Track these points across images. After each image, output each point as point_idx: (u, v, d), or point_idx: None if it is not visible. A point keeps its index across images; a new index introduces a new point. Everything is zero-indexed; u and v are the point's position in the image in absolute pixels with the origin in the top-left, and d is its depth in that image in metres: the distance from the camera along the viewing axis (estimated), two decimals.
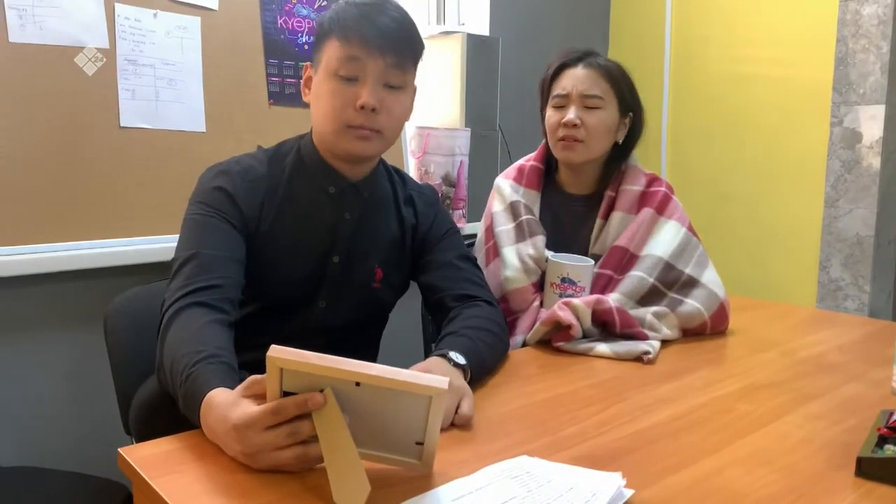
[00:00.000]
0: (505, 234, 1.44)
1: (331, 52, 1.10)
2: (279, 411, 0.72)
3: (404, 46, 1.12)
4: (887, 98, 2.23)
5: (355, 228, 1.19)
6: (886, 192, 2.30)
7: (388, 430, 0.77)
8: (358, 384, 0.73)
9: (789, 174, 2.48)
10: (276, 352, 0.71)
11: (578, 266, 1.34)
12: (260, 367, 1.14)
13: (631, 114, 1.44)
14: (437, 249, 1.25)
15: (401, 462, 0.79)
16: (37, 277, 1.59)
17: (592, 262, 1.36)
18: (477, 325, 1.13)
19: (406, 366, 1.00)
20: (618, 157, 1.45)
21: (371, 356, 1.33)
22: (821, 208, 2.40)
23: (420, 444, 0.77)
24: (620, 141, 1.44)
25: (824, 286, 2.40)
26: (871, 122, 2.26)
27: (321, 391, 0.72)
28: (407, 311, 1.27)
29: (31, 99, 1.54)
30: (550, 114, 1.43)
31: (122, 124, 1.66)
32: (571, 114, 1.39)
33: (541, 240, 1.41)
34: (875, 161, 2.27)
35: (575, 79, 1.40)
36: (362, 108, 1.09)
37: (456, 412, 0.91)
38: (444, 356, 0.99)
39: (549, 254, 1.39)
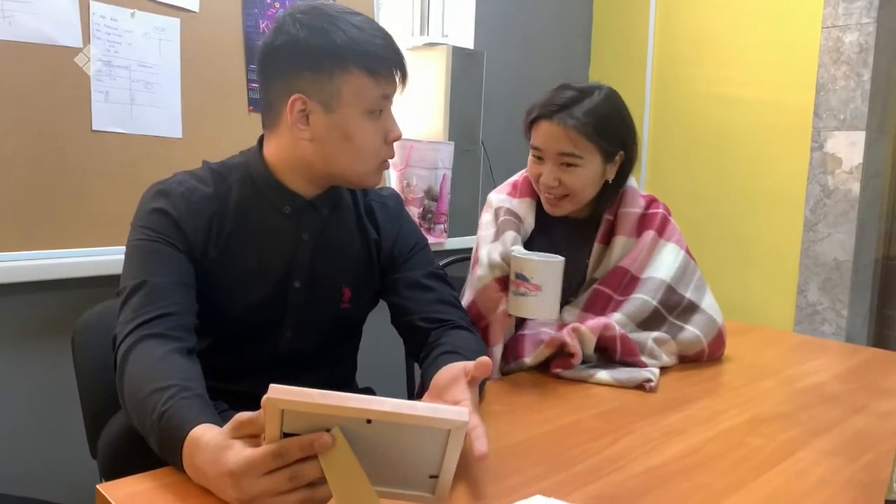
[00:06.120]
0: (484, 238, 1.38)
1: (357, 86, 1.01)
2: (281, 454, 0.66)
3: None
4: (867, 124, 2.26)
5: (315, 250, 1.10)
6: (865, 217, 2.32)
7: (400, 464, 0.71)
8: (369, 421, 0.67)
9: (770, 197, 2.49)
10: (277, 392, 0.64)
11: (534, 261, 1.21)
12: (229, 396, 1.06)
13: (622, 151, 1.34)
14: (405, 268, 1.18)
15: (412, 497, 0.73)
16: (2, 287, 1.49)
17: (561, 259, 1.24)
18: (467, 346, 1.07)
19: (388, 378, 0.93)
20: (613, 187, 1.37)
21: (348, 372, 1.27)
22: (800, 232, 2.41)
23: (434, 476, 0.72)
24: (612, 179, 1.35)
25: (802, 309, 2.41)
26: (851, 148, 2.29)
27: (327, 430, 0.66)
28: (388, 324, 1.20)
29: None
30: (530, 161, 1.36)
31: (94, 128, 1.58)
32: (547, 177, 1.31)
33: (510, 235, 1.32)
34: (854, 186, 2.29)
35: (548, 136, 1.29)
36: (393, 141, 1.07)
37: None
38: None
39: (516, 248, 1.29)
